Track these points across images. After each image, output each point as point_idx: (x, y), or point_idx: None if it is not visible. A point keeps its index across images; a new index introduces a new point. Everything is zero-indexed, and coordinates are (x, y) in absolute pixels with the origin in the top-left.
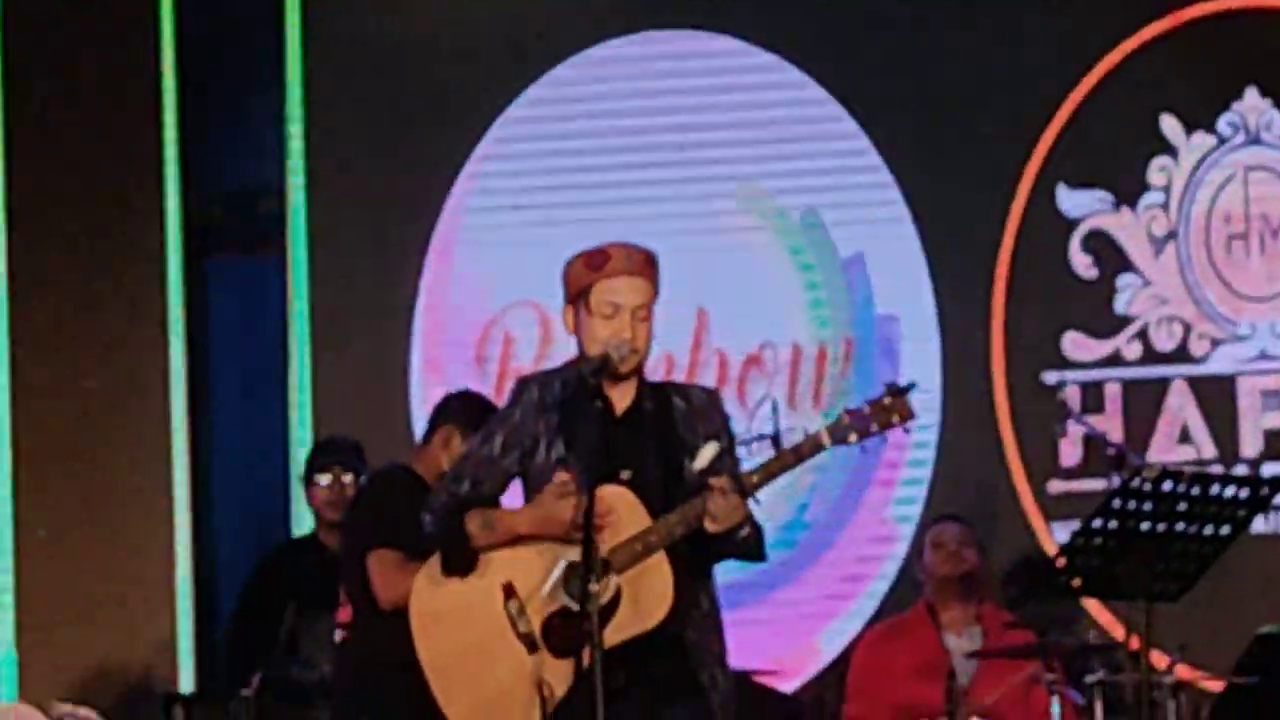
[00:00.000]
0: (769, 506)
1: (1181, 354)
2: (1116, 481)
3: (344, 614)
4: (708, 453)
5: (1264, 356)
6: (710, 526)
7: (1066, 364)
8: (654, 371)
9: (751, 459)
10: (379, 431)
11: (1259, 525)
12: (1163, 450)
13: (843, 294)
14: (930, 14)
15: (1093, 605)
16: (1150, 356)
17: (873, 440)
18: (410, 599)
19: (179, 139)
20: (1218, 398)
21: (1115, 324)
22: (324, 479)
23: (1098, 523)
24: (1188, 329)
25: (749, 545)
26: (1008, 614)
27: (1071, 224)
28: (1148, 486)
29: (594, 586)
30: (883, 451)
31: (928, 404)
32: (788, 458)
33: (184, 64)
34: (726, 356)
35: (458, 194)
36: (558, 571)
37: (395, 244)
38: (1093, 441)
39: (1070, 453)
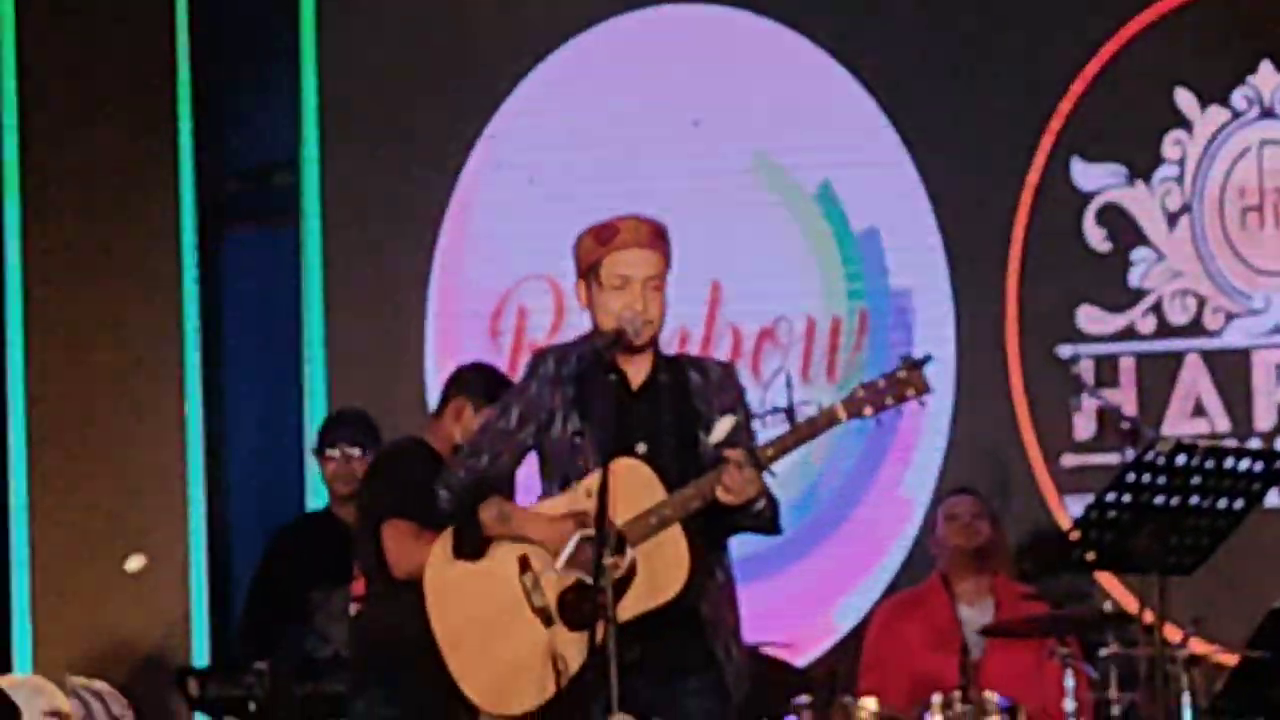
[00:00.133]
0: (783, 479)
1: (1196, 327)
2: (1130, 455)
3: (358, 587)
4: (724, 426)
5: (1279, 330)
6: (726, 499)
7: (1080, 337)
8: (668, 345)
9: (765, 432)
10: (393, 405)
11: (1273, 499)
12: (1177, 424)
13: (857, 268)
14: None
15: (1107, 579)
16: (1164, 330)
17: (888, 413)
18: (425, 573)
19: (193, 113)
20: (1232, 371)
21: (1129, 298)
22: (332, 454)
23: (1111, 496)
24: (1202, 302)
25: (764, 518)
26: (1021, 586)
27: (1086, 198)
28: (1162, 460)
29: (608, 560)
30: (897, 425)
31: (941, 377)
32: (803, 431)
33: (199, 38)
34: (741, 330)
35: (472, 167)
36: (572, 544)
37: (409, 218)
38: (1107, 415)
39: (1084, 426)
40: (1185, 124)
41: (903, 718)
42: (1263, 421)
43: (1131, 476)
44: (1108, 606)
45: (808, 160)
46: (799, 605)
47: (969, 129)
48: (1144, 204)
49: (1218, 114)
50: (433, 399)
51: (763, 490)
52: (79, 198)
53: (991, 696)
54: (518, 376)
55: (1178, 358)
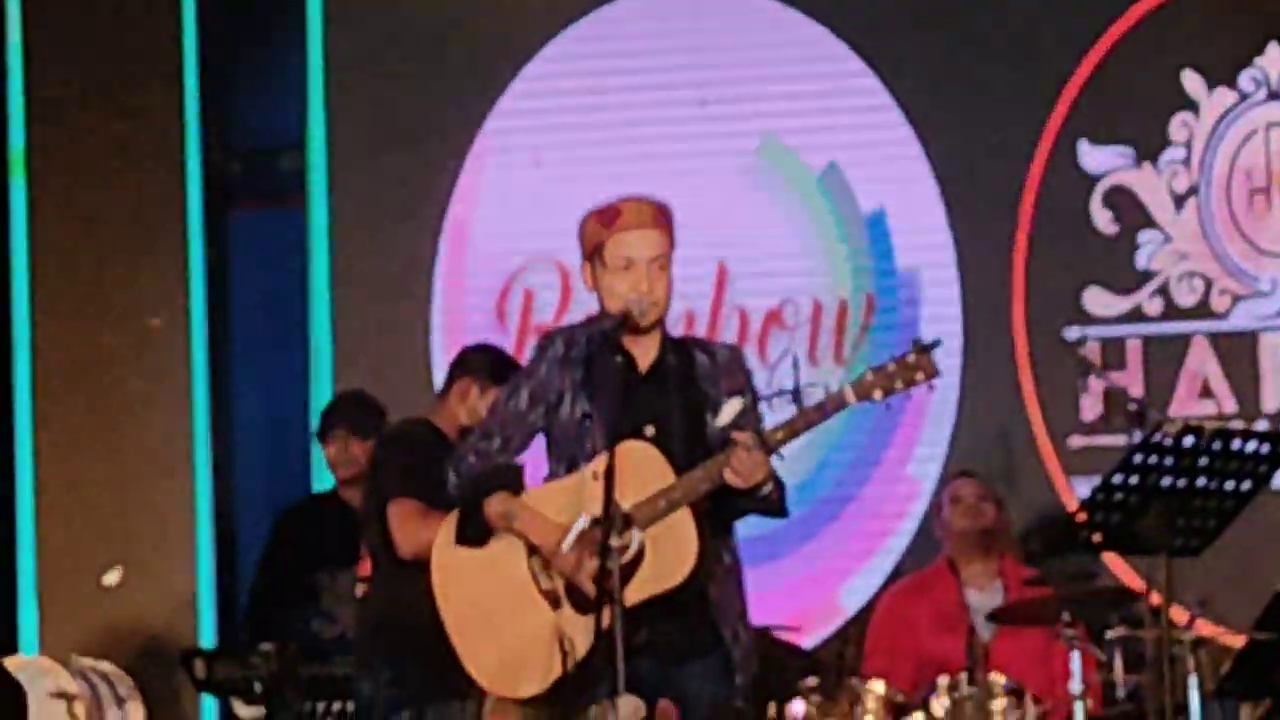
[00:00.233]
0: (789, 461)
1: (1203, 309)
2: (1137, 437)
3: (364, 568)
4: (731, 409)
5: None
6: (734, 483)
7: (1087, 319)
8: (674, 327)
9: (772, 415)
10: (399, 386)
11: None
12: (1184, 406)
13: (864, 250)
14: None
15: (1113, 561)
16: (1171, 312)
17: (896, 397)
18: (431, 555)
19: (200, 94)
20: (1239, 353)
21: (1136, 279)
22: (331, 438)
23: (1119, 478)
24: (1209, 284)
25: (771, 501)
26: (1028, 569)
27: (1093, 180)
28: (1169, 442)
29: (615, 541)
30: (904, 406)
31: (948, 359)
32: (812, 415)
33: (205, 18)
34: (747, 312)
35: (478, 149)
36: (578, 526)
37: (415, 200)
38: (1114, 397)
39: (1091, 408)
40: (1192, 106)
41: (909, 700)
42: (1270, 403)
43: (1139, 458)
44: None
45: (814, 142)
46: (805, 587)
47: (976, 111)
48: (1151, 186)
49: (1225, 96)
50: (439, 380)
51: (770, 473)
52: (85, 179)
53: (998, 679)
54: (524, 359)
55: (1185, 340)
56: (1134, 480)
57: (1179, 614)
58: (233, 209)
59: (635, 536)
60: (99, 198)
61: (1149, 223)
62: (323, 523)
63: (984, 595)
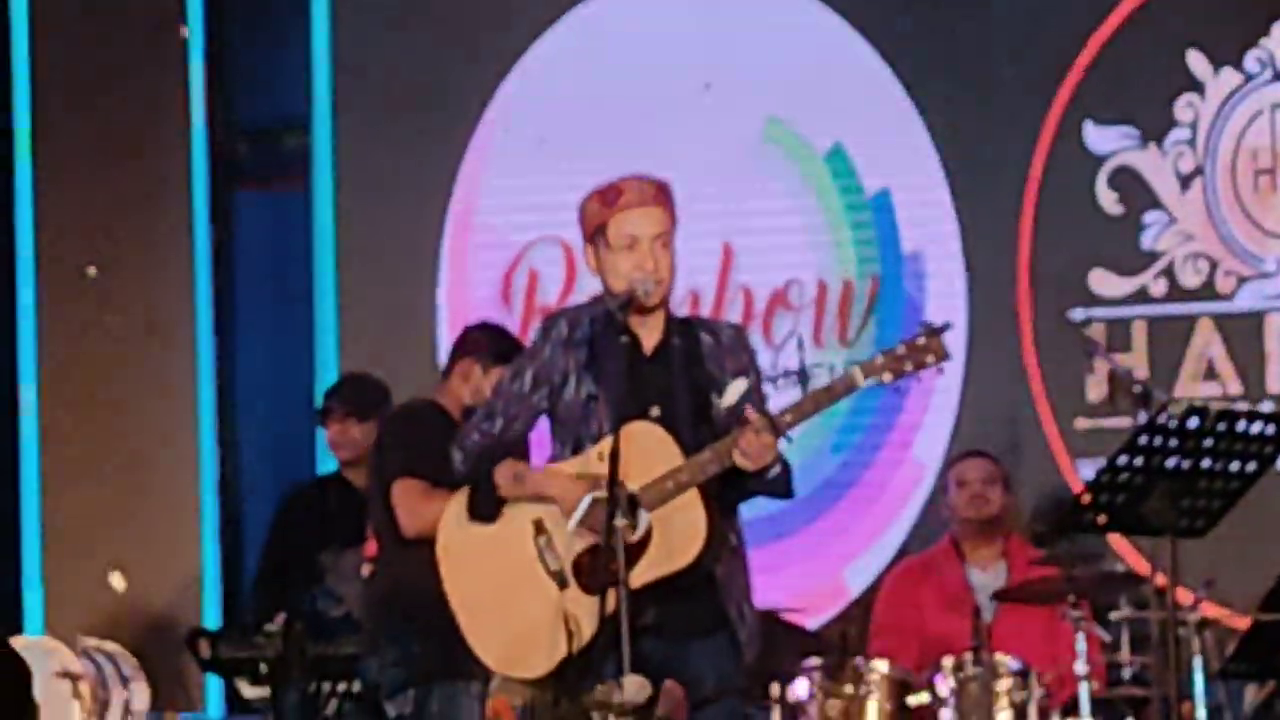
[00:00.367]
0: (795, 442)
1: (1208, 290)
2: (1142, 418)
3: (370, 549)
4: (736, 389)
5: None
6: (743, 464)
7: (1093, 300)
8: (679, 308)
9: (777, 395)
10: (405, 367)
11: None
12: (1189, 387)
13: (869, 230)
14: None
15: (1119, 542)
16: (1176, 293)
17: (904, 379)
18: (437, 536)
19: (205, 74)
20: (1244, 334)
21: (1142, 260)
22: (331, 420)
23: (1124, 459)
24: (1214, 265)
25: (778, 483)
26: (1034, 550)
27: (1098, 160)
28: (1174, 423)
29: (620, 522)
30: (909, 387)
31: (953, 340)
32: (821, 397)
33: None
34: (752, 292)
35: (484, 129)
36: (584, 506)
37: (421, 180)
38: (1119, 378)
39: (1096, 389)
40: (1198, 87)
41: (914, 680)
42: (1275, 384)
43: (1144, 439)
44: (1119, 567)
45: (819, 123)
46: (810, 567)
47: (981, 92)
48: (1156, 167)
49: (1230, 77)
50: (444, 361)
51: (778, 455)
52: (91, 159)
53: (1003, 659)
54: (529, 339)
55: (1190, 321)
56: (1139, 461)
57: (1184, 595)
58: (238, 189)
59: (642, 518)
60: (105, 178)
61: (1154, 204)
62: (327, 503)
63: (989, 576)
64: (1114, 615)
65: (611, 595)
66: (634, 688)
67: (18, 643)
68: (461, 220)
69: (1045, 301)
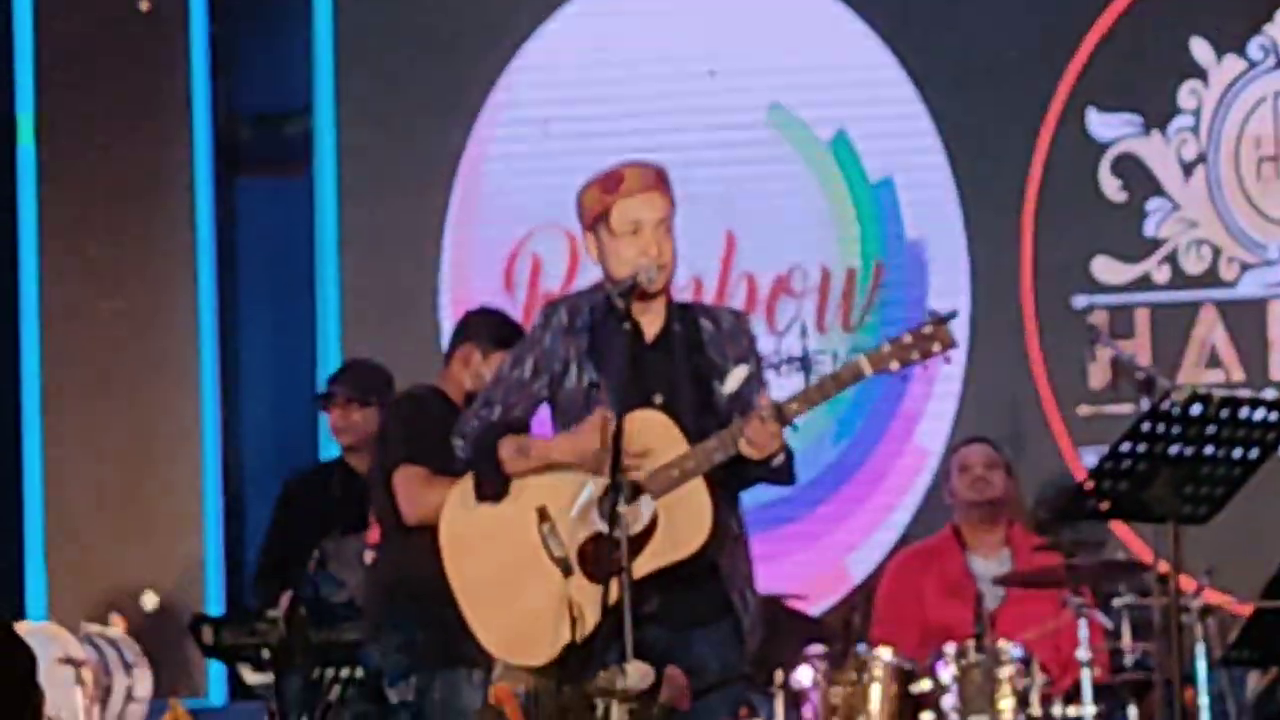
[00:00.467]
0: (797, 429)
1: (1211, 278)
2: (1145, 405)
3: (373, 535)
4: (737, 376)
5: None
6: (749, 453)
7: (1096, 287)
8: (682, 295)
9: (781, 381)
10: (407, 353)
11: None
12: (1191, 374)
13: (872, 217)
14: None
15: (1121, 529)
16: (1179, 280)
17: (910, 367)
18: (440, 522)
19: (208, 59)
20: (1247, 321)
21: (1145, 248)
22: (331, 405)
23: (1126, 446)
24: (1217, 252)
25: (780, 470)
26: (1036, 537)
27: (1101, 147)
28: (1176, 410)
29: (623, 508)
30: (912, 374)
31: (956, 327)
32: (828, 386)
33: None
34: (755, 279)
35: (486, 116)
36: (586, 493)
37: (423, 166)
38: (1122, 365)
39: (1099, 376)
40: (1201, 74)
41: (917, 667)
42: (1278, 371)
43: (1146, 426)
44: (1120, 556)
45: (823, 110)
46: (813, 555)
47: (985, 79)
48: (1159, 154)
49: (1234, 64)
50: (446, 348)
51: (783, 443)
52: (94, 145)
53: (1006, 646)
54: (530, 326)
55: (1193, 308)
56: (1142, 448)
57: (1186, 582)
58: (240, 175)
59: (647, 506)
60: (108, 164)
61: (1157, 191)
62: (330, 489)
63: (992, 563)
64: (1116, 602)
65: (614, 583)
66: (637, 674)
67: (20, 628)
68: (464, 206)
69: (1048, 288)
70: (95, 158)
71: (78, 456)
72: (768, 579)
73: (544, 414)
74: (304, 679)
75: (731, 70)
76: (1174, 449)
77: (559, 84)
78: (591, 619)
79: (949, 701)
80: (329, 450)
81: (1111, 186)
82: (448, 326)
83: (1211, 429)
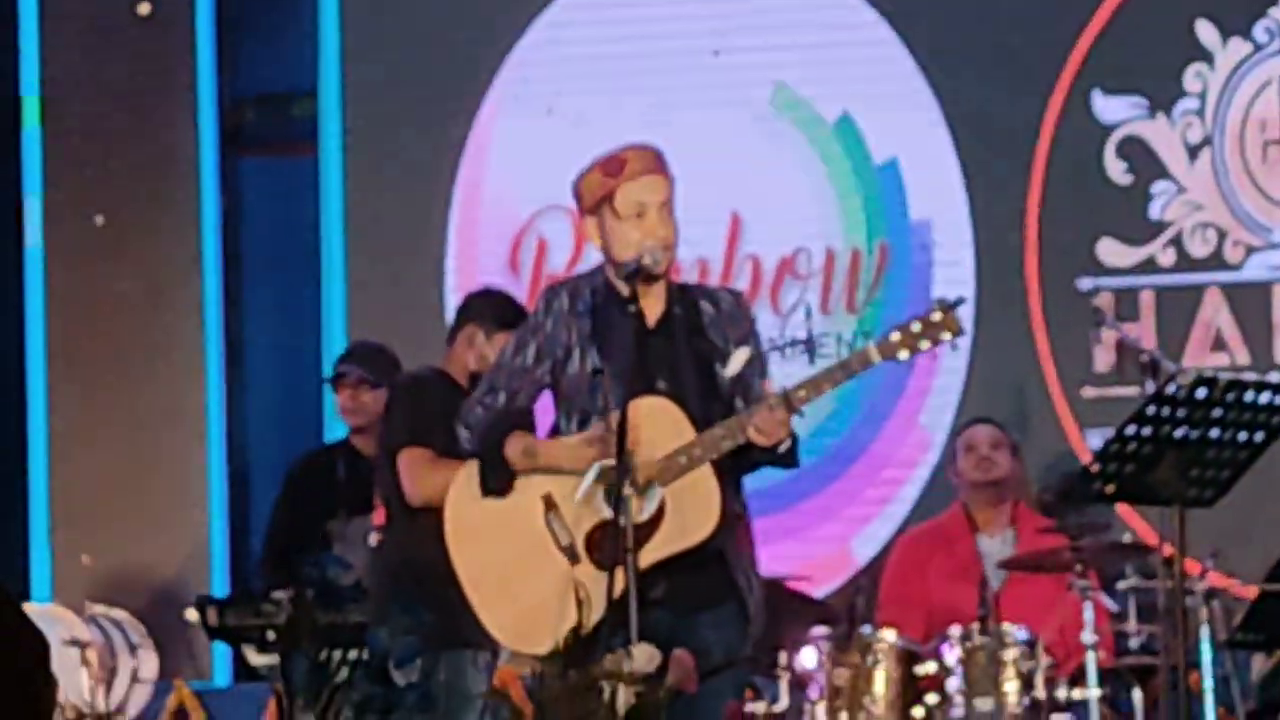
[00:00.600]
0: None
1: (1216, 260)
2: (1150, 388)
3: (378, 517)
4: (739, 358)
5: None
6: (757, 440)
7: (1101, 270)
8: (687, 276)
9: (784, 364)
10: (412, 335)
11: None
12: (1197, 357)
13: (877, 199)
14: None
15: (1126, 512)
16: (1184, 263)
17: (919, 354)
18: (445, 510)
19: (213, 39)
20: (1252, 304)
21: (1150, 230)
22: (341, 385)
23: (1132, 429)
24: (1222, 235)
25: (785, 454)
26: (1042, 519)
27: (1106, 130)
28: (1182, 393)
29: (628, 491)
30: (916, 356)
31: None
32: (836, 373)
33: None
34: (760, 261)
35: (492, 97)
36: (591, 475)
37: (429, 147)
38: (1126, 348)
39: (1104, 359)
40: (1206, 56)
41: (922, 649)
42: None
43: (1151, 409)
44: (1126, 538)
45: (827, 92)
46: (817, 537)
47: (990, 61)
48: (1165, 137)
49: (1239, 46)
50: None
51: (790, 430)
52: (98, 126)
53: (1010, 628)
54: (531, 310)
55: (1198, 291)
56: (1147, 431)
57: (1192, 565)
58: (245, 156)
59: (655, 493)
60: (113, 145)
61: (1163, 173)
62: (336, 471)
63: (997, 544)
64: (1121, 585)
65: (620, 573)
66: (644, 657)
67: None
68: (470, 188)
69: (1053, 271)
70: (100, 139)
71: (83, 439)
72: (772, 561)
73: (545, 400)
74: (311, 661)
75: (736, 51)
76: (1179, 432)
77: (564, 65)
78: (599, 606)
79: (953, 684)
80: (334, 432)
81: (1116, 169)
82: (453, 308)
83: (1217, 412)
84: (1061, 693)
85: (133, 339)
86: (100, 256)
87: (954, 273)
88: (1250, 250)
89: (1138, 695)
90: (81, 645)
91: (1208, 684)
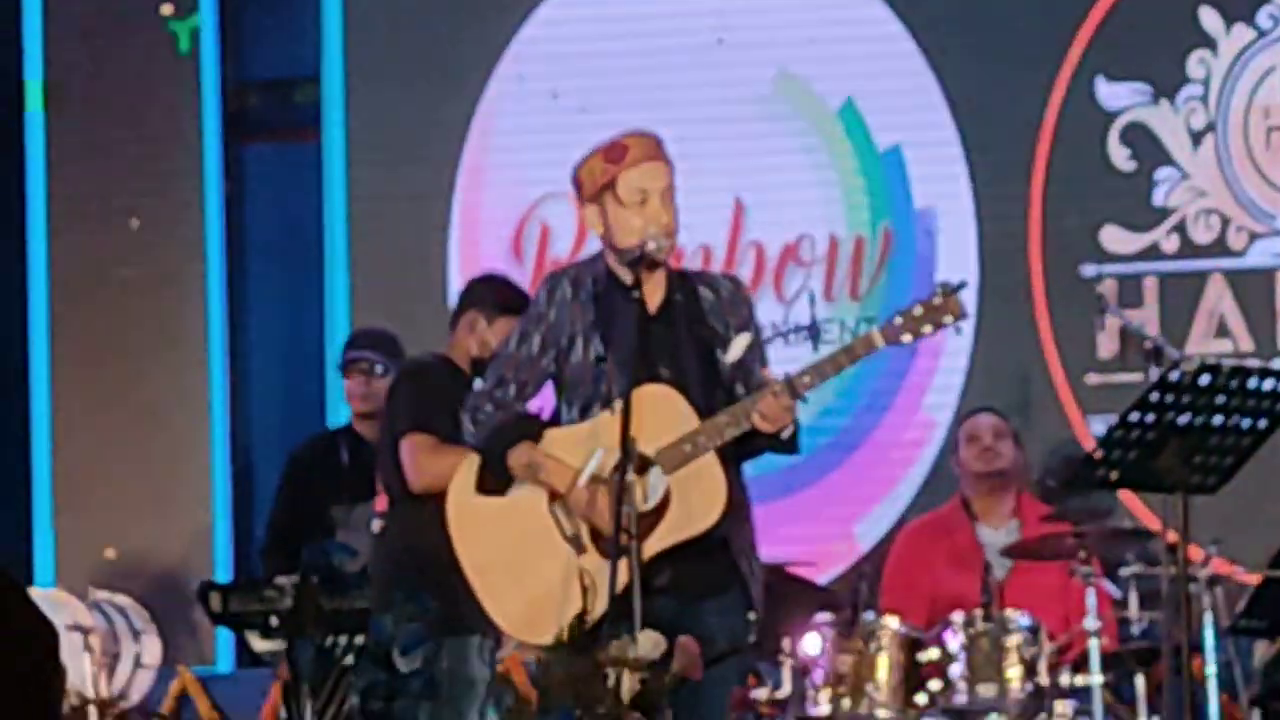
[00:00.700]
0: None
1: (1220, 247)
2: (1154, 375)
3: (381, 503)
4: (740, 344)
5: None
6: (761, 426)
7: (1104, 257)
8: (691, 263)
9: (789, 349)
10: (416, 321)
11: None
12: (1200, 343)
13: (880, 186)
14: None
15: (1130, 498)
16: (1188, 249)
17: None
18: (448, 501)
19: (217, 25)
20: (1256, 291)
21: (1153, 217)
22: (352, 371)
23: (1135, 416)
24: (1226, 222)
25: (789, 441)
26: (1045, 507)
27: (1110, 116)
28: (1185, 380)
29: (631, 478)
30: (919, 343)
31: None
32: (840, 359)
33: None
34: (763, 248)
35: (495, 83)
36: (594, 461)
37: (432, 134)
38: (1130, 334)
39: (1107, 346)
40: (1210, 43)
41: (925, 636)
42: None
43: (1155, 396)
44: (1129, 525)
45: (831, 78)
46: (820, 523)
47: (993, 47)
48: (1168, 123)
49: (1243, 33)
50: None
51: (794, 416)
52: (102, 112)
53: (1013, 615)
54: (533, 299)
55: (1201, 277)
56: (1150, 418)
57: (1195, 551)
58: (249, 142)
59: (660, 482)
60: (116, 131)
61: (1166, 160)
62: (339, 457)
63: (1000, 533)
64: (1124, 571)
65: (624, 563)
66: (649, 643)
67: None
68: (473, 174)
69: (1056, 257)
70: (104, 124)
71: (86, 424)
72: (775, 546)
73: (545, 390)
74: (316, 647)
75: (740, 38)
76: (1182, 419)
77: (568, 51)
78: (604, 594)
79: (956, 670)
80: (337, 418)
81: (1120, 155)
82: (456, 294)
83: (1220, 399)
84: (1064, 678)
85: (136, 325)
86: (103, 242)
87: (957, 259)
88: (1254, 237)
89: (1140, 681)
90: (84, 631)
91: (1210, 670)
